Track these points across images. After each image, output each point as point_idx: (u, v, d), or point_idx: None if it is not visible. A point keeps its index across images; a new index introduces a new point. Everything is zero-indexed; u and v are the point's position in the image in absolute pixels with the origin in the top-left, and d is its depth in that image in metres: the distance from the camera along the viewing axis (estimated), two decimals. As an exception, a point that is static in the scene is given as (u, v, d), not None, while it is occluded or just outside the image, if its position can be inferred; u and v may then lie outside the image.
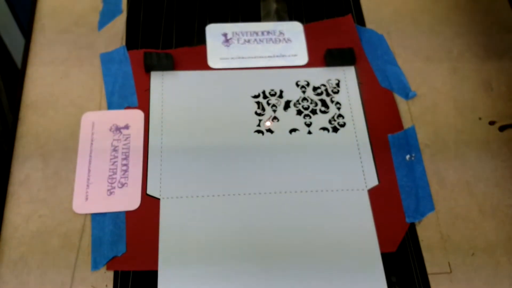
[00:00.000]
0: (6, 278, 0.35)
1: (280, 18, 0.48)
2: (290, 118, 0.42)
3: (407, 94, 0.43)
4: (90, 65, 0.44)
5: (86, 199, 0.38)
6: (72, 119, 0.41)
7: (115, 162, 0.39)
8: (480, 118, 0.43)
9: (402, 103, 0.43)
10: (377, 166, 0.40)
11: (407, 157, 0.40)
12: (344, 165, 0.40)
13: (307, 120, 0.42)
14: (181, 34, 0.46)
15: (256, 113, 0.42)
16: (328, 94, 0.43)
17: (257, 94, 0.43)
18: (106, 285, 0.35)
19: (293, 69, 0.44)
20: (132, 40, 0.45)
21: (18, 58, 0.66)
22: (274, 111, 0.42)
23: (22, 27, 0.66)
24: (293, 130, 0.41)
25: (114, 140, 0.40)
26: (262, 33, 0.46)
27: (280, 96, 0.43)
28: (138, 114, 0.41)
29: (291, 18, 0.48)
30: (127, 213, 0.37)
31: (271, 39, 0.46)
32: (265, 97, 0.43)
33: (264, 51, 0.45)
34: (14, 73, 0.65)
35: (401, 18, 0.48)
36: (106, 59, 0.44)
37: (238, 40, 0.46)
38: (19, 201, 0.38)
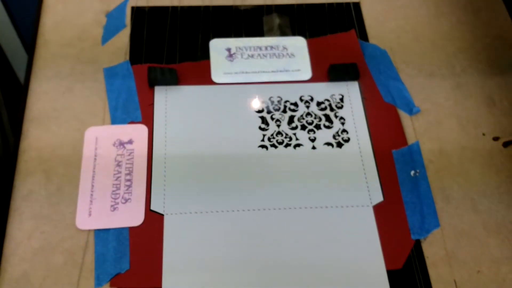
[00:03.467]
0: (8, 295, 0.35)
1: (283, 33, 0.48)
2: (294, 133, 0.42)
3: (411, 110, 0.43)
4: (93, 80, 0.44)
5: (89, 215, 0.37)
6: (75, 134, 0.41)
7: (118, 177, 0.39)
8: (483, 134, 0.43)
9: (406, 119, 0.43)
10: (381, 182, 0.40)
11: (412, 173, 0.40)
12: (348, 181, 0.40)
13: (311, 135, 0.42)
14: (185, 49, 0.46)
15: (260, 128, 0.42)
16: (332, 109, 0.43)
17: (261, 109, 0.43)
18: (110, 303, 0.35)
19: (296, 84, 0.44)
20: (136, 54, 0.45)
21: (21, 73, 0.66)
22: (278, 126, 0.42)
23: (25, 42, 0.66)
24: (297, 145, 0.41)
25: (117, 155, 0.40)
26: (266, 48, 0.46)
27: (284, 111, 0.43)
28: (142, 129, 0.41)
29: (294, 33, 0.48)
30: (131, 229, 0.37)
31: (274, 54, 0.46)
32: (269, 112, 0.43)
33: (268, 66, 0.45)
34: (17, 88, 0.65)
35: (403, 33, 0.48)
36: (110, 74, 0.44)
37: (241, 55, 0.46)
38: (21, 217, 0.37)
